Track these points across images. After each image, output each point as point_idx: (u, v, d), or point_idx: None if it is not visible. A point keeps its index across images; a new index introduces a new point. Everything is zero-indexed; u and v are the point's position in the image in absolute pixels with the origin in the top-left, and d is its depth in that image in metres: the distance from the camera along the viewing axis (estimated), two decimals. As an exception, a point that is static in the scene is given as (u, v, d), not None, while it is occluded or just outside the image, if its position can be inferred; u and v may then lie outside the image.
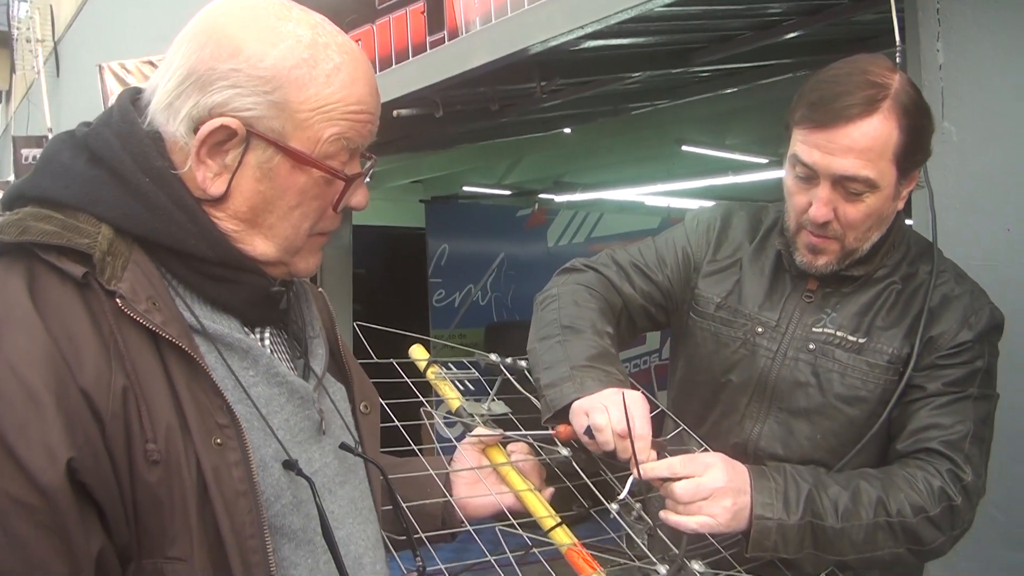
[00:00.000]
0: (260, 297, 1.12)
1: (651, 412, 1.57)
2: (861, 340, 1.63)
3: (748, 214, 1.83)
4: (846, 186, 1.52)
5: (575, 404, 1.53)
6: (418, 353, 1.79)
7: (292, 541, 1.05)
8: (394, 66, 3.39)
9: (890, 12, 2.08)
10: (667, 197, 8.66)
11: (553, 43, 2.57)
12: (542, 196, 8.86)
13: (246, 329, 1.11)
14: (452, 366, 1.78)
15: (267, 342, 1.15)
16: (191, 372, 0.99)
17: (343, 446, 1.17)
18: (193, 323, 1.03)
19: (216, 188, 1.05)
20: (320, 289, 1.38)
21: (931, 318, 1.60)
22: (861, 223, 1.56)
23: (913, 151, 1.53)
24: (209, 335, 1.04)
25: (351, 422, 1.26)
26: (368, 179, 1.18)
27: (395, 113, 3.40)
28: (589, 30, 2.45)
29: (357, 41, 4.03)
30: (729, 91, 4.51)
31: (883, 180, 1.51)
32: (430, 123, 4.17)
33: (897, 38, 2.00)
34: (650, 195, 8.76)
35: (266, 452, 1.04)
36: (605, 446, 1.47)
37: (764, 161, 7.00)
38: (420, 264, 7.84)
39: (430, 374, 1.75)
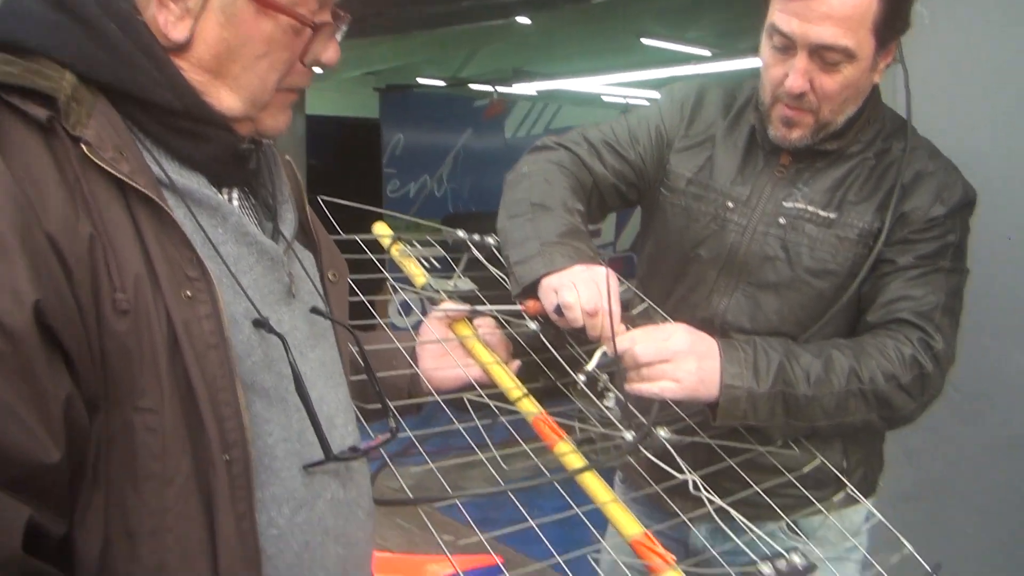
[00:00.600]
0: (228, 154, 1.08)
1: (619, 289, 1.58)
2: (832, 215, 1.63)
3: (723, 89, 1.80)
4: (823, 56, 1.50)
5: (544, 281, 1.52)
6: (381, 229, 1.76)
7: (264, 398, 1.04)
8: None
9: None
10: (626, 88, 8.58)
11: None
12: (493, 88, 8.72)
13: (214, 188, 1.08)
14: (416, 243, 1.76)
15: (235, 202, 1.12)
16: (160, 224, 0.95)
17: (314, 310, 1.16)
18: (161, 177, 0.99)
19: (179, 33, 1.00)
20: (287, 157, 1.35)
21: (904, 193, 1.60)
22: (837, 94, 1.54)
23: (892, 20, 1.51)
24: (178, 190, 1.00)
25: (320, 289, 1.24)
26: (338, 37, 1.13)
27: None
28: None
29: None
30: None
31: (861, 50, 1.50)
32: (380, 4, 4.04)
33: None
34: (609, 87, 8.67)
35: (236, 309, 1.02)
36: (574, 323, 1.48)
37: (708, 54, 6.91)
38: (375, 155, 7.73)
39: (394, 251, 1.73)
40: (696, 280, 1.72)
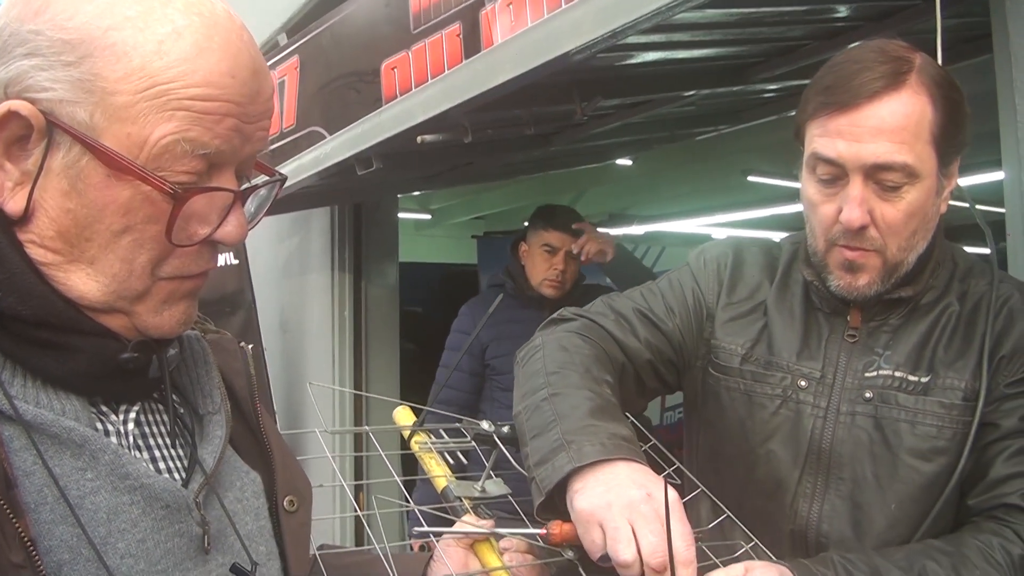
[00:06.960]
0: (106, 368, 0.82)
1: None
2: (924, 379, 1.32)
3: (760, 249, 1.55)
4: (881, 179, 1.26)
5: (581, 508, 1.12)
6: (402, 418, 1.47)
7: None
8: (414, 89, 3.10)
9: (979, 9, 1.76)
10: (730, 228, 8.30)
11: (585, 51, 2.22)
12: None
13: (100, 409, 0.82)
14: (445, 433, 1.46)
15: (131, 426, 0.85)
16: None
17: (235, 568, 0.87)
18: (2, 405, 0.74)
19: (14, 204, 0.76)
20: (242, 343, 1.08)
21: (997, 339, 1.31)
22: (903, 224, 1.28)
23: (952, 131, 1.27)
24: (26, 423, 0.74)
25: (264, 526, 0.95)
26: (250, 205, 0.89)
27: (419, 139, 3.11)
28: (621, 35, 2.12)
29: (393, 69, 3.75)
30: (794, 113, 4.14)
31: (923, 167, 1.26)
32: (470, 153, 3.89)
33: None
34: (713, 227, 8.41)
35: None
36: None
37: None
38: (474, 301, 7.56)
39: (414, 444, 1.43)
40: (773, 484, 1.38)
